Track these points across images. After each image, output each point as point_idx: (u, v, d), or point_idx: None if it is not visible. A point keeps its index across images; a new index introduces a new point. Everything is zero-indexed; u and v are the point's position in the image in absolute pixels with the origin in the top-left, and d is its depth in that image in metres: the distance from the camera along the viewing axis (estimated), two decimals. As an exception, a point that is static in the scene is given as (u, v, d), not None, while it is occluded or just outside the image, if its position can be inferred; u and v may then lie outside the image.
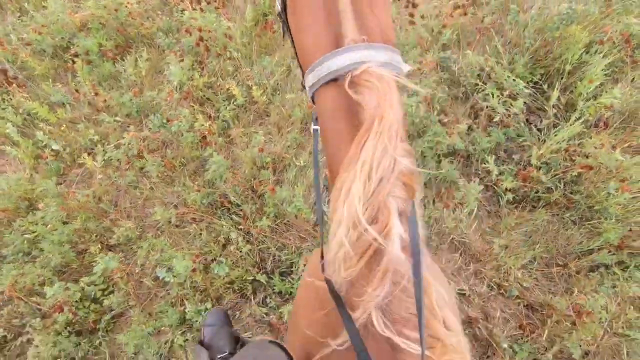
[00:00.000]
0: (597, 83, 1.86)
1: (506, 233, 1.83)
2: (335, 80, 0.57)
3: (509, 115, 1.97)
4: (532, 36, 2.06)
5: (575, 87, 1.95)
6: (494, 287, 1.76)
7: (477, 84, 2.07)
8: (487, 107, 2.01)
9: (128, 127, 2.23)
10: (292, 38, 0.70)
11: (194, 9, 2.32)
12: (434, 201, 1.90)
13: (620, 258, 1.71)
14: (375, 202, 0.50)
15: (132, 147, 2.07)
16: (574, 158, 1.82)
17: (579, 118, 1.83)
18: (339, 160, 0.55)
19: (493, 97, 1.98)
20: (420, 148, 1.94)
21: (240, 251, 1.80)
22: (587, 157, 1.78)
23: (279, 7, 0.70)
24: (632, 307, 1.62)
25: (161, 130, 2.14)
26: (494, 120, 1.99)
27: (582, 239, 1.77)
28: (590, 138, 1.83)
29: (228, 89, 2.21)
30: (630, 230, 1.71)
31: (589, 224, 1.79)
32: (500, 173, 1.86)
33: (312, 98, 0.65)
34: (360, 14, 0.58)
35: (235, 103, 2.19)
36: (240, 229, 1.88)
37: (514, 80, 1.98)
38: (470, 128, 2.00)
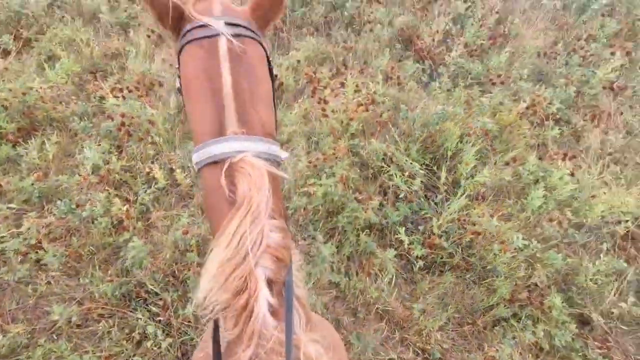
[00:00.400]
0: (472, 165, 2.33)
1: (422, 298, 2.00)
2: (216, 162, 0.67)
3: (411, 192, 2.31)
4: (419, 129, 2.55)
5: (457, 169, 2.40)
6: (419, 352, 1.85)
7: (382, 166, 2.41)
8: (392, 185, 2.33)
9: (25, 214, 1.99)
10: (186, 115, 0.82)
11: (116, 97, 2.35)
12: (357, 273, 2.03)
13: (514, 311, 1.98)
14: (244, 272, 0.57)
15: (30, 235, 1.83)
16: (465, 226, 2.16)
17: (464, 193, 2.23)
18: (215, 232, 0.63)
19: (396, 177, 2.31)
20: (341, 223, 2.11)
21: (159, 347, 1.62)
22: (474, 224, 2.13)
23: (177, 84, 0.79)
24: (530, 355, 1.85)
25: (68, 216, 1.96)
26: (400, 196, 2.30)
27: (483, 297, 2.03)
28: (474, 209, 2.22)
29: (149, 173, 2.18)
30: (516, 284, 2.02)
31: (485, 282, 2.07)
32: (411, 242, 2.10)
33: (199, 174, 0.73)
34: (242, 109, 0.69)
35: (156, 186, 2.15)
36: (159, 320, 1.72)
37: (410, 163, 2.37)
38: (381, 204, 2.26)
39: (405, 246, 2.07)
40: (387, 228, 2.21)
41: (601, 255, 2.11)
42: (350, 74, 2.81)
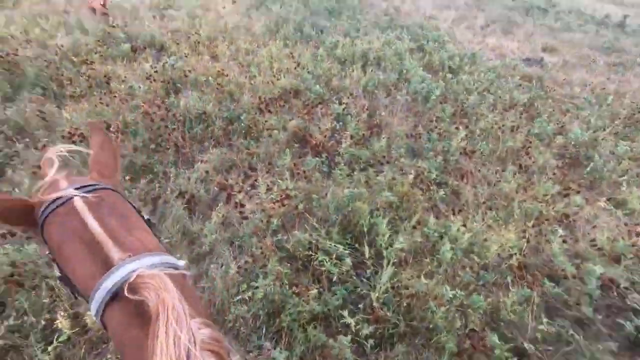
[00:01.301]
0: (387, 235, 2.57)
1: (383, 378, 1.95)
2: (116, 295, 0.67)
3: (343, 273, 2.39)
4: (334, 212, 2.76)
5: (376, 241, 2.62)
6: None
7: (310, 255, 2.48)
8: (324, 271, 2.39)
9: None
10: (76, 289, 0.79)
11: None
12: (314, 372, 1.91)
13: (465, 362, 2.07)
14: None
15: None
16: (400, 292, 2.29)
17: (389, 262, 2.41)
18: None
19: (326, 262, 2.39)
20: (285, 323, 2.03)
21: None
22: (407, 288, 2.28)
23: (57, 272, 0.83)
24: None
25: None
26: (334, 280, 2.36)
27: (435, 357, 2.09)
28: (402, 274, 2.40)
29: (46, 326, 1.82)
30: (458, 335, 2.16)
31: (433, 342, 2.16)
32: (357, 323, 2.11)
33: (104, 325, 0.71)
34: (119, 239, 0.74)
35: (59, 340, 1.78)
36: None
37: (335, 246, 2.50)
38: (319, 292, 2.27)
39: (353, 328, 2.06)
40: (330, 315, 2.19)
41: (510, 288, 2.44)
42: (260, 175, 2.98)
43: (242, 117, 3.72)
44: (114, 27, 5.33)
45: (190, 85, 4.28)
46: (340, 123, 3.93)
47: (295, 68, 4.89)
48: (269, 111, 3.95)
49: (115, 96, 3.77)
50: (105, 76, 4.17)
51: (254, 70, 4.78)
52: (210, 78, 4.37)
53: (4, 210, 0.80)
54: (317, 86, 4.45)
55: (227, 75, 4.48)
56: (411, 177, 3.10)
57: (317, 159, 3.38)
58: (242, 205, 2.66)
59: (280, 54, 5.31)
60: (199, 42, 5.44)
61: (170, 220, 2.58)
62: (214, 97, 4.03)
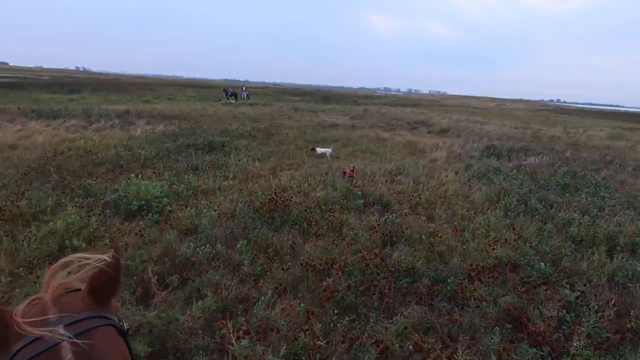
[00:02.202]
0: None
1: None
2: None
3: None
4: None
5: None
6: None
7: None
8: None
9: None
10: None
11: (239, 337, 2.60)
12: None
13: None
14: None
15: None
16: None
17: None
18: None
19: None
20: None
21: None
22: None
23: None
24: None
25: None
26: None
27: None
28: None
29: None
30: None
31: None
32: None
33: None
34: None
35: None
36: None
37: None
38: None
39: None
40: None
41: None
42: (461, 349, 2.73)
43: (449, 280, 3.68)
44: (355, 187, 6.81)
45: (404, 240, 4.70)
46: (572, 314, 3.23)
47: (515, 240, 4.61)
48: (480, 280, 3.75)
49: (343, 239, 4.59)
50: (340, 222, 5.20)
51: (468, 235, 4.81)
52: (423, 236, 4.70)
53: None
54: (542, 264, 3.97)
55: (439, 236, 4.70)
56: None
57: (535, 349, 2.81)
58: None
59: (499, 224, 5.20)
60: (418, 204, 6.11)
61: (361, 366, 2.63)
62: (424, 255, 4.24)
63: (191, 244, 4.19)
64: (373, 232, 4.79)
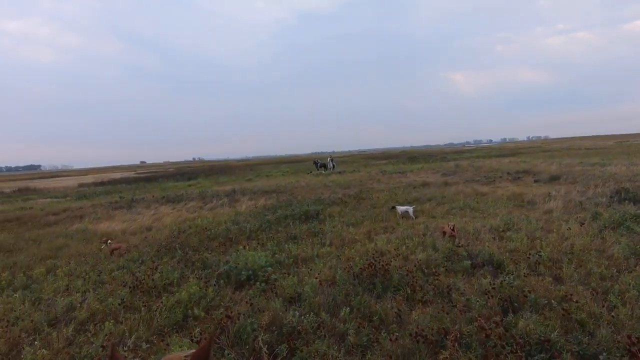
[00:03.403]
0: None
1: None
2: None
3: None
4: None
5: None
6: None
7: None
8: None
9: None
10: None
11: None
12: None
13: None
14: None
15: None
16: None
17: None
18: None
19: None
20: None
21: None
22: None
23: None
24: None
25: None
26: None
27: None
28: None
29: None
30: None
31: None
32: None
33: None
34: None
35: None
36: None
37: None
38: None
39: None
40: None
41: None
42: None
43: (600, 357, 2.97)
44: (459, 246, 6.29)
45: (529, 307, 4.05)
46: None
47: (687, 304, 3.61)
48: (646, 357, 2.95)
49: (454, 306, 4.16)
50: (447, 287, 4.77)
51: (615, 299, 3.94)
52: (553, 301, 3.99)
53: None
54: None
55: (575, 301, 3.94)
56: None
57: None
58: None
59: (657, 284, 4.16)
60: (539, 263, 5.31)
61: None
62: (558, 324, 3.56)
63: (296, 312, 4.25)
64: (488, 297, 4.25)
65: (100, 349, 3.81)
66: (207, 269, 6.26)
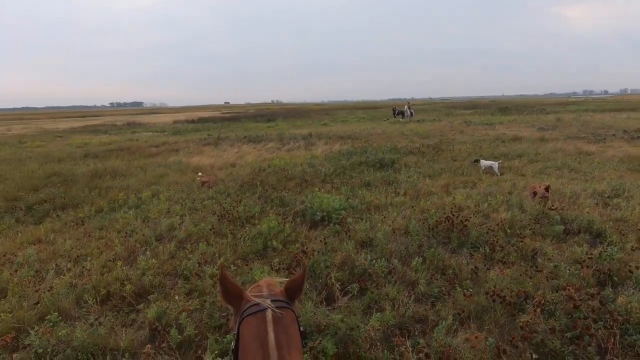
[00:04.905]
0: None
1: None
2: None
3: None
4: None
5: None
6: None
7: None
8: None
9: None
10: None
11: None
12: None
13: None
14: None
15: None
16: None
17: None
18: None
19: None
20: None
21: None
22: None
23: (233, 345, 1.11)
24: None
25: None
26: None
27: None
28: None
29: None
30: None
31: None
32: None
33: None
34: (282, 355, 0.98)
35: None
36: None
37: None
38: None
39: None
40: None
41: None
42: None
43: None
44: (551, 209, 5.68)
45: (634, 283, 3.58)
46: None
47: None
48: None
49: (539, 271, 3.86)
50: (532, 250, 4.42)
51: None
52: (667, 282, 3.46)
53: (228, 285, 1.14)
54: None
55: (697, 285, 3.36)
56: None
57: None
58: None
59: None
60: (653, 237, 4.57)
61: None
62: (670, 307, 3.10)
63: (368, 255, 4.36)
64: (582, 267, 3.85)
65: (197, 264, 4.41)
66: (285, 207, 6.65)
